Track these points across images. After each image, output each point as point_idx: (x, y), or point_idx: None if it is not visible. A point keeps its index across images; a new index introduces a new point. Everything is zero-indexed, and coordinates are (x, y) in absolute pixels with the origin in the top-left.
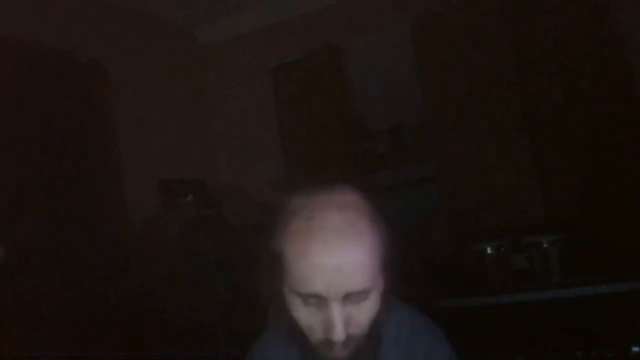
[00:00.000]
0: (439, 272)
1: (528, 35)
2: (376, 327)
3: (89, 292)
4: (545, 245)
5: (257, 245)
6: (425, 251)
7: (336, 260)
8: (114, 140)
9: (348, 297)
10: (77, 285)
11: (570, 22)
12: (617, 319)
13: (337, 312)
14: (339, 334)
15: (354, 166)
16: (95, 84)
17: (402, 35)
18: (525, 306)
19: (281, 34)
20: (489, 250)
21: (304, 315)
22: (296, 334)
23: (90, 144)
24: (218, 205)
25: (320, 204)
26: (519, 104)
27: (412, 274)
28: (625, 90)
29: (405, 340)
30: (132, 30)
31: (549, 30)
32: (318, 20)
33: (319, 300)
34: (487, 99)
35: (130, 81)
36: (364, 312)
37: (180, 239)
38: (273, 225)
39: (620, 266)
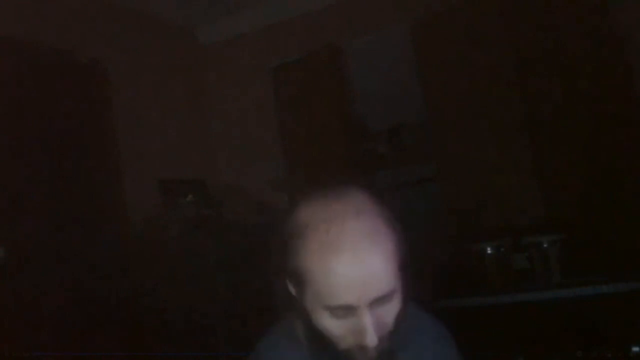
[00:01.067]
0: (439, 272)
1: (528, 35)
2: (400, 330)
3: (89, 292)
4: (545, 245)
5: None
6: (425, 251)
7: (362, 270)
8: (114, 140)
9: (376, 302)
10: (77, 285)
11: (570, 22)
12: (617, 319)
13: (368, 319)
14: (372, 340)
15: (354, 166)
16: (95, 84)
17: (402, 35)
18: (525, 306)
19: (281, 34)
20: (489, 250)
21: (333, 326)
22: (320, 341)
23: (90, 144)
24: (218, 205)
25: (334, 214)
26: (519, 104)
27: (412, 274)
28: (625, 90)
29: (412, 339)
30: (132, 30)
31: (549, 30)
32: (318, 20)
33: (348, 310)
34: (487, 99)
35: (130, 81)
36: (390, 312)
37: (180, 239)
38: (285, 239)
39: (620, 266)
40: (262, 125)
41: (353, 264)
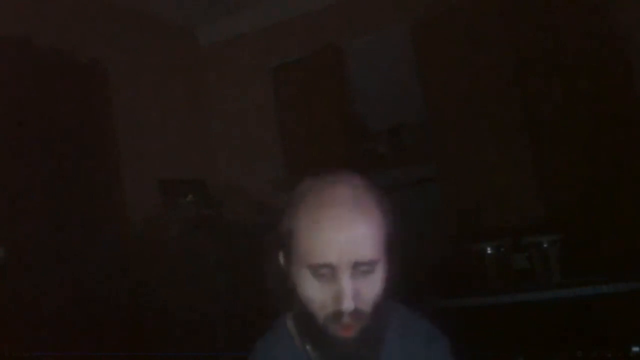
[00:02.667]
0: (439, 272)
1: (528, 35)
2: (380, 317)
3: (89, 292)
4: (545, 245)
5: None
6: (425, 251)
7: (346, 230)
8: (114, 140)
9: (357, 267)
10: (77, 285)
11: (570, 22)
12: (617, 319)
13: (346, 282)
14: (348, 303)
15: (354, 166)
16: (95, 84)
17: (402, 35)
18: (525, 306)
19: (281, 34)
20: (489, 250)
21: (314, 289)
22: (304, 318)
23: (90, 144)
24: (218, 205)
25: (328, 182)
26: (519, 104)
27: (412, 274)
28: (625, 90)
29: (403, 342)
30: (132, 30)
31: (549, 30)
32: (318, 20)
33: (330, 271)
34: (487, 99)
35: (130, 81)
36: (371, 286)
37: (180, 239)
38: (282, 209)
39: (620, 266)
40: (262, 125)
41: (336, 222)
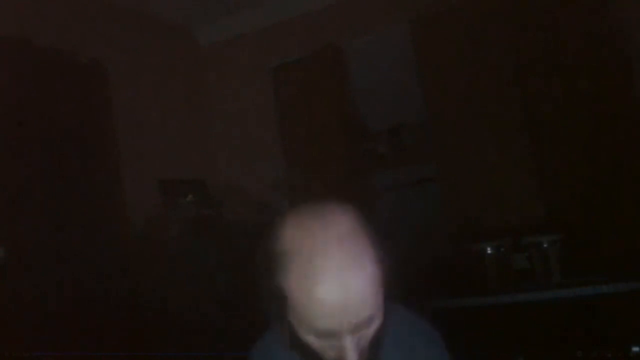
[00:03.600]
0: (439, 272)
1: (528, 35)
2: (377, 332)
3: (89, 292)
4: (545, 245)
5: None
6: (425, 251)
7: (344, 299)
8: (114, 140)
9: (357, 327)
10: (77, 285)
11: (570, 22)
12: (617, 319)
13: (349, 343)
14: (352, 358)
15: (354, 166)
16: (95, 84)
17: (402, 35)
18: (525, 306)
19: (281, 34)
20: (489, 250)
21: (316, 342)
22: (306, 351)
23: (90, 144)
24: (218, 205)
25: (317, 239)
26: (519, 104)
27: (412, 274)
28: (625, 90)
29: (403, 343)
30: (132, 30)
31: (548, 30)
32: (318, 20)
33: (330, 333)
34: (487, 99)
35: (130, 81)
36: (372, 331)
37: (180, 239)
38: (269, 256)
39: (620, 266)
40: (262, 125)
41: (335, 293)
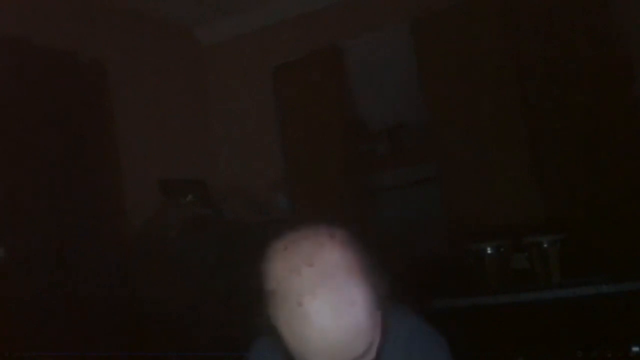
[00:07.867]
0: (439, 272)
1: (528, 35)
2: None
3: (88, 292)
4: (545, 245)
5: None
6: (425, 251)
7: (336, 342)
8: (114, 140)
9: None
10: (77, 285)
11: (570, 22)
12: (617, 319)
13: None
14: None
15: (354, 167)
16: (95, 84)
17: (401, 35)
18: (525, 306)
19: (281, 34)
20: (489, 250)
21: None
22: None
23: (90, 143)
24: (218, 205)
25: (304, 281)
26: (519, 103)
27: (412, 274)
28: (625, 90)
29: (404, 344)
30: (132, 30)
31: (548, 30)
32: (318, 20)
33: None
34: (487, 98)
35: (130, 81)
36: (369, 356)
37: (180, 239)
38: (260, 285)
39: (620, 266)
40: (262, 125)
41: (325, 338)
